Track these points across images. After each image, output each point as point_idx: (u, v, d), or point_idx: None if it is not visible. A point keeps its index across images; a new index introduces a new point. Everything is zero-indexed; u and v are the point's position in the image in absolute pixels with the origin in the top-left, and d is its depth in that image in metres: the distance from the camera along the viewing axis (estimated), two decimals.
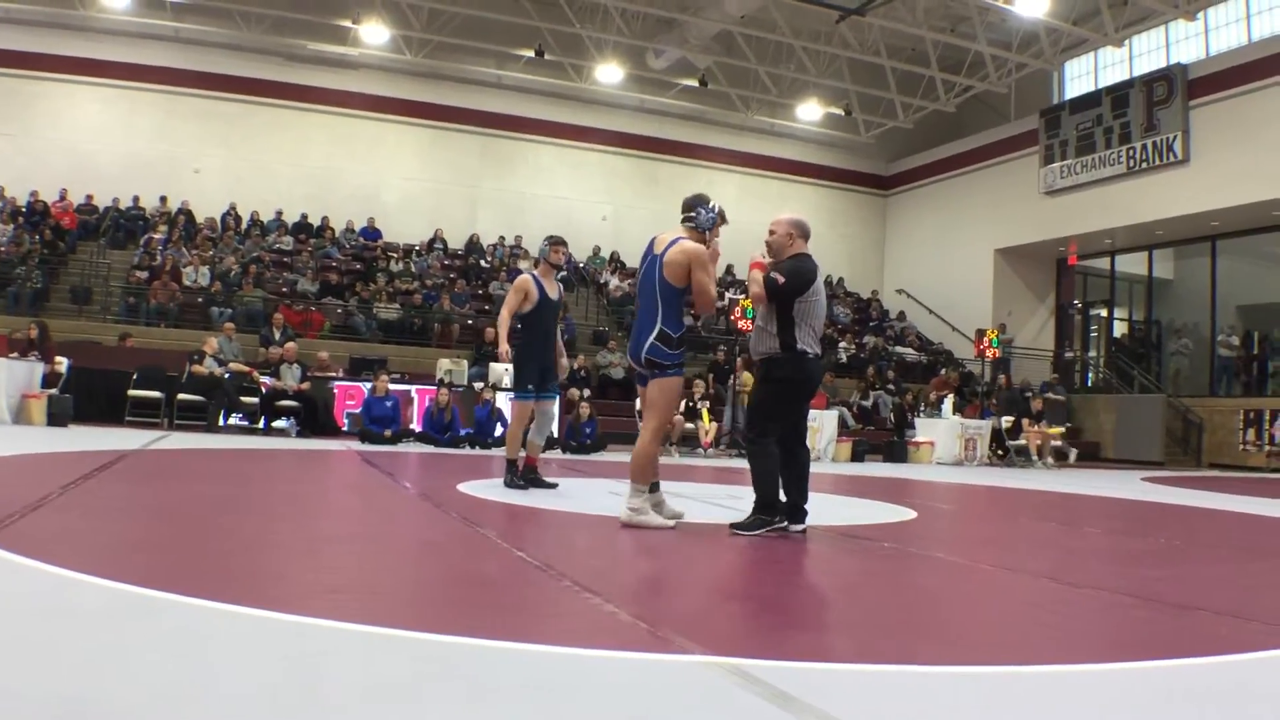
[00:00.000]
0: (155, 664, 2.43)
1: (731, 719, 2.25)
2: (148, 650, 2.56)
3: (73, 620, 2.84)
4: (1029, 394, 20.45)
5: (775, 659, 2.78)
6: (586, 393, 16.29)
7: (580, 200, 27.20)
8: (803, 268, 5.77)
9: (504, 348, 7.88)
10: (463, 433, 14.77)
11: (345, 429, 15.23)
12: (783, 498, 5.69)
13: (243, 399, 14.93)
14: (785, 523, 5.63)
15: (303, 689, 2.31)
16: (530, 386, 7.78)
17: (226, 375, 14.78)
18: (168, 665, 2.42)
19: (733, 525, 5.66)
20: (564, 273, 8.12)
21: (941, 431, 17.98)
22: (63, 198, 22.16)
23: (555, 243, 8.04)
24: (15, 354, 13.37)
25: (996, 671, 2.76)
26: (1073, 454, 19.48)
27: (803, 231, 5.95)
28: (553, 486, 7.80)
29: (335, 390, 15.76)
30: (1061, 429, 19.77)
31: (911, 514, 7.52)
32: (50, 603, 3.04)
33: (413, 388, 15.85)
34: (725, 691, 2.44)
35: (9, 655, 2.43)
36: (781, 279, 5.66)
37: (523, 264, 24.64)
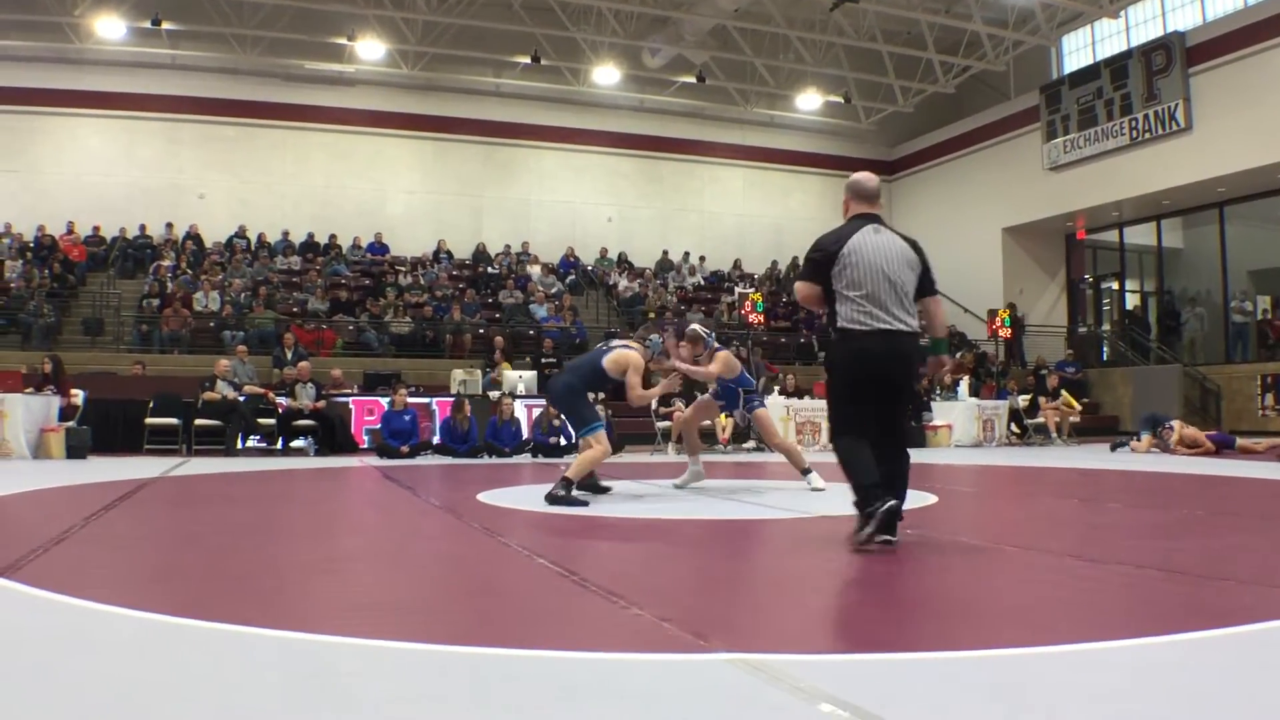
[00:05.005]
0: (183, 692, 2.44)
1: (761, 717, 2.25)
2: (175, 678, 2.57)
3: (99, 652, 2.85)
4: (1045, 371, 20.38)
5: (802, 653, 2.78)
6: (602, 395, 16.27)
7: (584, 203, 27.24)
8: (820, 239, 5.04)
9: None
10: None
11: (365, 445, 15.25)
12: None
13: (259, 421, 14.99)
14: (890, 502, 4.56)
15: (333, 709, 2.32)
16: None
17: (241, 399, 14.83)
18: (196, 693, 2.43)
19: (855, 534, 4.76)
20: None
21: (959, 414, 17.92)
22: (70, 231, 22.28)
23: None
24: (31, 389, 13.42)
25: (1025, 653, 2.75)
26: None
27: (854, 191, 5.15)
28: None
29: (353, 407, 15.80)
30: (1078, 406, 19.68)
31: (933, 499, 7.49)
32: (76, 635, 3.05)
33: (433, 400, 15.89)
34: (753, 689, 2.44)
35: (38, 690, 2.44)
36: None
37: (532, 269, 24.68)
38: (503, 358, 18.51)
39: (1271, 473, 10.04)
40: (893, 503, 4.56)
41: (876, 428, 4.86)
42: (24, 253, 21.06)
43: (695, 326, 8.43)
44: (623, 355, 7.58)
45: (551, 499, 6.91)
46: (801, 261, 5.21)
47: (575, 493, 7.01)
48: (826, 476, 8.28)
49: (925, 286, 5.08)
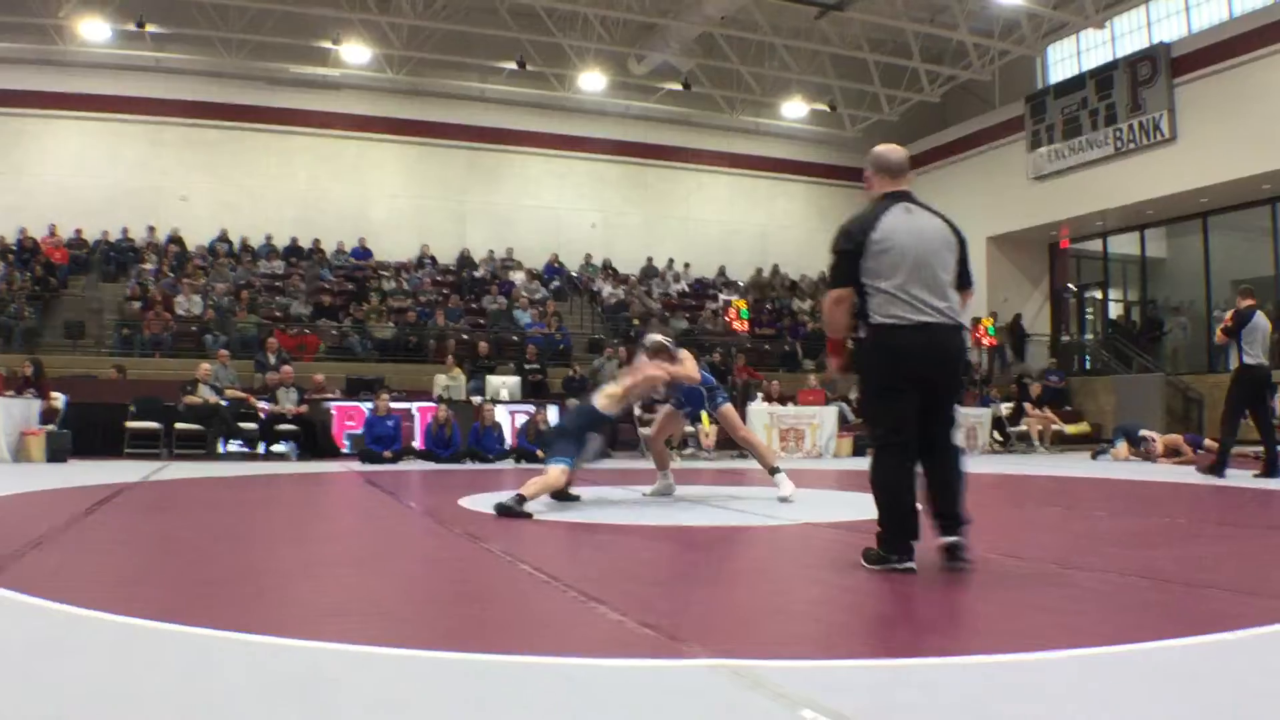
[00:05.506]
0: (163, 697, 2.41)
1: None
2: (155, 683, 2.54)
3: (78, 657, 2.81)
4: (1028, 380, 20.44)
5: (784, 659, 2.76)
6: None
7: (569, 209, 27.17)
8: (845, 225, 4.44)
9: None
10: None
11: (346, 450, 15.19)
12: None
13: (241, 425, 14.91)
14: (908, 563, 4.26)
15: (313, 714, 2.29)
16: None
17: (223, 403, 14.76)
18: (175, 697, 2.40)
19: (864, 554, 4.46)
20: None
21: None
22: (52, 233, 22.12)
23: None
24: (11, 392, 13.34)
25: (1009, 660, 2.74)
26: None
27: (878, 166, 4.67)
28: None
29: (334, 412, 15.73)
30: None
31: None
32: (55, 640, 3.01)
33: (414, 405, 15.82)
34: (734, 694, 2.42)
35: (15, 695, 2.40)
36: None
37: (515, 275, 24.65)
38: (454, 362, 18.28)
39: (1250, 481, 10.08)
40: (911, 566, 4.20)
41: (918, 439, 4.39)
42: (5, 255, 20.91)
43: (656, 337, 8.35)
44: (607, 390, 7.75)
45: (500, 508, 6.84)
46: (830, 258, 4.47)
47: (526, 506, 6.93)
48: (806, 483, 8.26)
49: (960, 278, 4.44)
